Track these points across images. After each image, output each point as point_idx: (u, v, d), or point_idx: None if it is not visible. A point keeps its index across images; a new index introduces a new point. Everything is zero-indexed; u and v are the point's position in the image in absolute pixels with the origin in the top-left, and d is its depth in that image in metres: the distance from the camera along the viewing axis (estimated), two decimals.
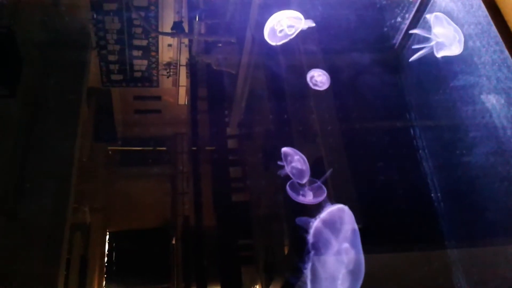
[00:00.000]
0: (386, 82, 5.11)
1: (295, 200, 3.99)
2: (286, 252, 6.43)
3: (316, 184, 3.89)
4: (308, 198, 3.85)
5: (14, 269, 6.70)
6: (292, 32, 3.66)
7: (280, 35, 3.63)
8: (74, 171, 8.09)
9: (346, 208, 2.78)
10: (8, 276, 6.64)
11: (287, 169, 4.06)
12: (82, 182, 9.13)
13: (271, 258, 7.35)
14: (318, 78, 4.53)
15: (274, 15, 3.51)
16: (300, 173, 4.06)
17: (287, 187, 4.06)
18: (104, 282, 11.28)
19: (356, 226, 2.70)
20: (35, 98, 8.23)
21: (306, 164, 4.02)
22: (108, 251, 11.74)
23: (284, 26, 3.62)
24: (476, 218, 4.22)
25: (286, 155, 4.08)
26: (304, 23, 3.64)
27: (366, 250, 4.88)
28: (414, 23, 4.82)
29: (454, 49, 3.63)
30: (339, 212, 2.77)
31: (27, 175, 7.50)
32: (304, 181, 4.04)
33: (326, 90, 4.80)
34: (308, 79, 4.40)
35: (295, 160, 4.09)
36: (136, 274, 11.35)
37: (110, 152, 12.27)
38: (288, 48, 5.47)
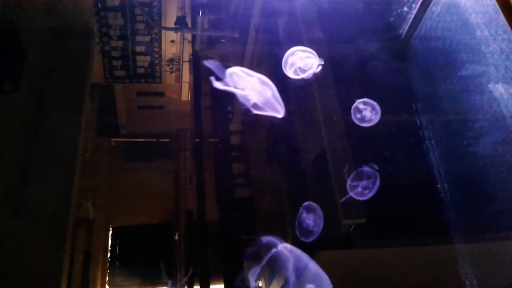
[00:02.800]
0: (393, 71, 5.06)
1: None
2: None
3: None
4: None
5: (18, 263, 6.70)
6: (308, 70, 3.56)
7: (297, 74, 3.55)
8: (78, 166, 8.08)
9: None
10: (12, 270, 6.63)
11: (303, 220, 4.15)
12: (85, 177, 9.11)
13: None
14: (367, 113, 4.16)
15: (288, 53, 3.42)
16: (308, 232, 4.16)
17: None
18: (107, 277, 11.25)
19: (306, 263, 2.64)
20: (38, 93, 8.22)
21: (319, 228, 4.08)
22: (111, 246, 11.72)
23: (300, 64, 3.54)
24: (484, 208, 4.17)
25: (309, 209, 4.16)
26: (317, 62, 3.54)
27: (372, 244, 4.85)
28: (421, 13, 4.78)
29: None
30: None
31: (31, 172, 7.49)
32: (308, 240, 4.22)
33: (330, 80, 4.77)
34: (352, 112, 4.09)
35: (311, 219, 4.17)
36: (139, 269, 11.32)
37: (113, 144, 12.23)
38: (292, 37, 5.43)
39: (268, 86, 2.67)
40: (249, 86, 2.62)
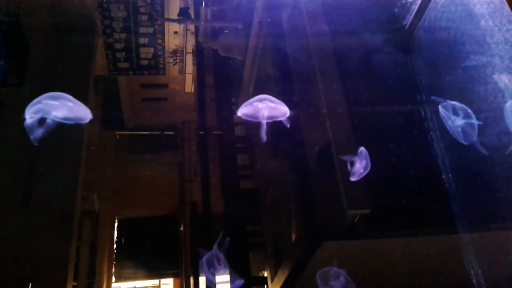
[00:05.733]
0: (397, 62, 5.05)
1: None
2: (293, 238, 6.43)
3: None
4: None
5: (26, 255, 6.76)
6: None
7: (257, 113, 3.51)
8: (83, 160, 8.11)
9: None
10: (20, 262, 6.69)
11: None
12: (90, 170, 9.15)
13: (279, 244, 7.35)
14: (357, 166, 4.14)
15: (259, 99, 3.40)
16: None
17: None
18: (113, 269, 11.35)
19: None
20: (43, 86, 8.23)
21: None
22: (116, 237, 11.80)
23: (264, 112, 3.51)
24: (488, 198, 4.19)
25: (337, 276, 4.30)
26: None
27: (376, 234, 4.87)
28: (425, 3, 4.76)
29: None
30: None
31: (36, 166, 7.52)
32: None
33: (335, 72, 4.76)
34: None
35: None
36: (145, 261, 11.41)
37: (118, 137, 12.28)
38: (296, 30, 5.42)
39: None
40: None
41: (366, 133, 4.88)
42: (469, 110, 3.39)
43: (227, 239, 4.93)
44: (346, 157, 3.98)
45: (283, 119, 3.48)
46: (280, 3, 5.92)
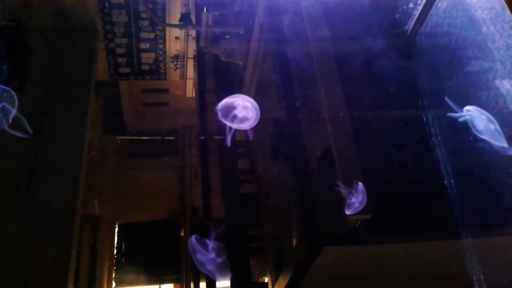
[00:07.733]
0: (399, 68, 5.06)
1: None
2: (294, 243, 6.42)
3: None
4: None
5: (26, 259, 6.75)
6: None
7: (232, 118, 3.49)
8: (84, 164, 8.12)
9: None
10: (21, 266, 6.69)
11: None
12: (91, 175, 9.16)
13: (280, 249, 7.34)
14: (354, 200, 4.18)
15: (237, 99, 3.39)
16: None
17: None
18: (113, 273, 11.33)
19: None
20: (44, 92, 8.25)
21: None
22: (117, 242, 11.79)
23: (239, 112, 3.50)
24: (491, 204, 4.18)
25: None
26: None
27: (378, 239, 4.86)
28: (426, 9, 4.78)
29: None
30: None
31: (37, 170, 7.53)
32: None
33: (336, 77, 4.77)
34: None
35: None
36: (145, 265, 11.39)
37: (118, 142, 12.29)
38: (298, 35, 5.44)
39: None
40: None
41: (367, 138, 4.89)
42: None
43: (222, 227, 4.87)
44: (343, 190, 4.00)
45: (248, 127, 3.44)
46: (282, 8, 5.94)
